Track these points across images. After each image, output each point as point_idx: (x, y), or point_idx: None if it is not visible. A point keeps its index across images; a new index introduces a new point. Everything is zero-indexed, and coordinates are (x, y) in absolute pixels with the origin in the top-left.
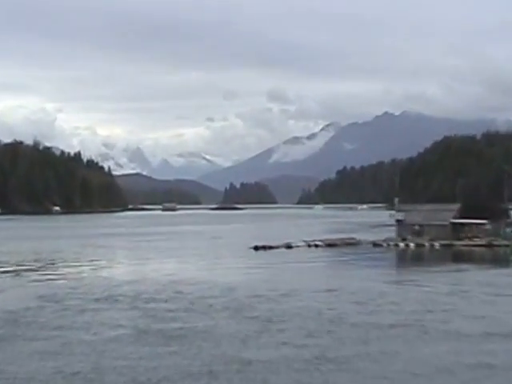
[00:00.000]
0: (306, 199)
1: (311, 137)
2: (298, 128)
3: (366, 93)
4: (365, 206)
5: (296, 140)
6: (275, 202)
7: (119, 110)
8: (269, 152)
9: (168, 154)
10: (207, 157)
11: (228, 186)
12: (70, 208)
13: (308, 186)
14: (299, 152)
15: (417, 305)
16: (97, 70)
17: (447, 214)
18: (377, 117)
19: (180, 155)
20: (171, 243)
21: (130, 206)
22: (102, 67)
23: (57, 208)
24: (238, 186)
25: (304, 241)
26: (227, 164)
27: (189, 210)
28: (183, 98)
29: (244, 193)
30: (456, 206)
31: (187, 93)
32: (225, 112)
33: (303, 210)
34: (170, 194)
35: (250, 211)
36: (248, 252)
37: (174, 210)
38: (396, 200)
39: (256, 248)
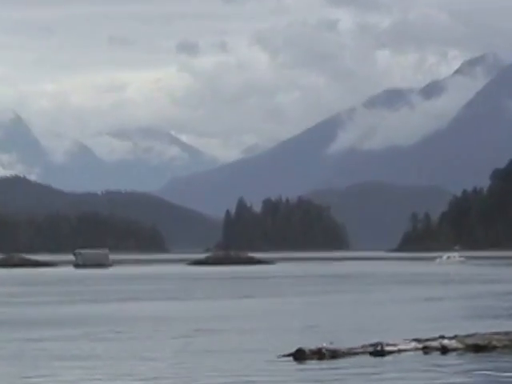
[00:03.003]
0: (418, 239)
1: (434, 86)
2: (408, 66)
3: None
4: None
5: (398, 95)
6: (346, 246)
7: None
8: (328, 127)
9: (93, 132)
10: (183, 138)
11: (233, 208)
12: None
13: (423, 206)
14: (401, 123)
15: None
16: None
17: None
18: None
19: (119, 134)
20: (97, 350)
21: None
22: None
23: None
24: (255, 205)
25: (413, 340)
26: (230, 155)
27: (143, 266)
28: None
29: (273, 225)
30: None
31: None
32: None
33: (415, 265)
34: (93, 225)
35: (287, 267)
36: (277, 366)
37: (102, 265)
38: None
39: (299, 355)
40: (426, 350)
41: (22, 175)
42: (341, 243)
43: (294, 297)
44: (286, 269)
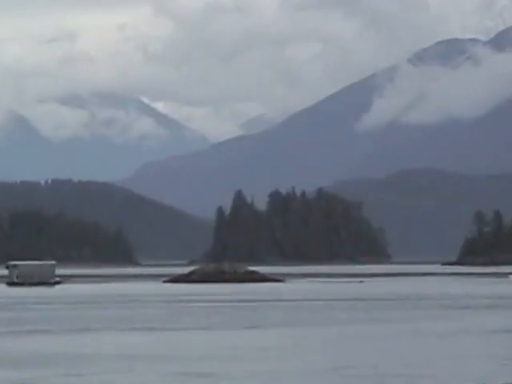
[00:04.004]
0: (486, 248)
1: (506, 36)
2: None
3: None
4: None
5: (457, 47)
6: (385, 257)
7: None
8: (359, 93)
9: (32, 98)
10: (158, 107)
11: (229, 205)
12: None
13: (493, 202)
14: (461, 86)
15: None
16: None
17: None
18: None
19: (69, 102)
20: None
21: None
22: None
23: None
24: (258, 200)
25: None
26: (224, 131)
27: (103, 284)
28: None
29: (283, 228)
30: None
31: None
32: None
33: (482, 283)
34: (33, 227)
35: (303, 286)
36: None
37: (46, 282)
38: None
39: None
40: None
41: None
42: (378, 253)
43: (316, 327)
44: (302, 288)
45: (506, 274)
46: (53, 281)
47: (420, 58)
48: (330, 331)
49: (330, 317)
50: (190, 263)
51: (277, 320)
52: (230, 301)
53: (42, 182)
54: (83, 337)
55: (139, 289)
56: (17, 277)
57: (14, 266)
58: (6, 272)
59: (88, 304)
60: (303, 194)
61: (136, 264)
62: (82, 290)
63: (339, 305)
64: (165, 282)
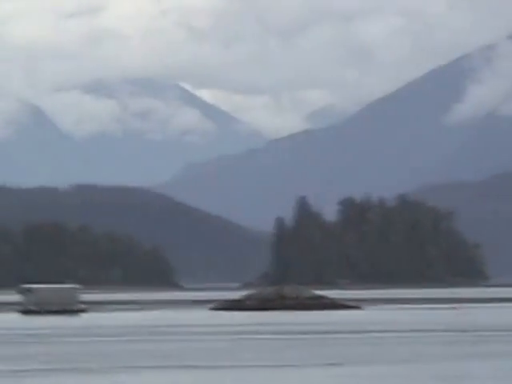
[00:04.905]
0: None
1: None
2: None
3: None
4: None
5: None
6: (483, 278)
7: None
8: (450, 78)
9: (51, 86)
10: (204, 96)
11: (290, 215)
12: None
13: None
14: None
15: None
16: None
17: None
18: None
19: (94, 90)
20: None
21: None
22: None
23: None
24: (326, 209)
25: None
26: (284, 125)
27: (138, 312)
28: None
29: (358, 243)
30: None
31: None
32: None
33: None
34: (51, 243)
35: (385, 315)
36: None
37: (68, 309)
38: None
39: None
40: None
41: None
42: (473, 273)
43: (406, 364)
44: (382, 317)
45: None
46: (76, 308)
47: None
48: (423, 368)
49: (420, 352)
50: (244, 286)
51: (356, 355)
52: (295, 332)
53: (63, 188)
54: (130, 376)
55: (182, 318)
56: (33, 303)
57: (29, 290)
58: (19, 298)
59: (122, 336)
60: (382, 201)
61: (177, 287)
62: (112, 319)
63: (429, 337)
64: (212, 309)
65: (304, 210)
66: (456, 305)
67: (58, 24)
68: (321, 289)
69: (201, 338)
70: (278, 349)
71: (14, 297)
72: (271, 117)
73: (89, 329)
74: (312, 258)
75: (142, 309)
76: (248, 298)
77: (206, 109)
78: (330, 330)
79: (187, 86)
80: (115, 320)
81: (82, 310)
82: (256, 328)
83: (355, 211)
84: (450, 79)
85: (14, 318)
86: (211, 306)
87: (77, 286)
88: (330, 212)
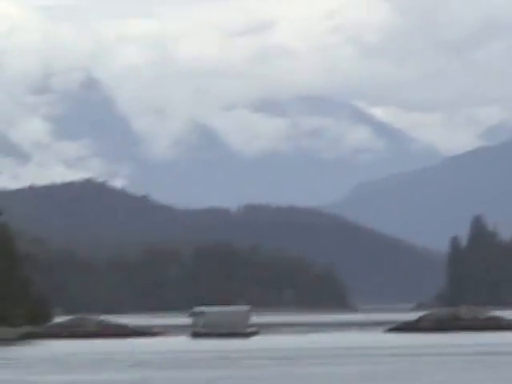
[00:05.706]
0: None
1: None
2: None
3: None
4: None
5: None
6: None
7: None
8: None
9: (218, 104)
10: (377, 114)
11: (465, 234)
12: None
13: None
14: None
15: None
16: None
17: None
18: None
19: (264, 108)
20: None
21: None
22: None
23: None
24: (503, 228)
25: None
26: (459, 143)
27: (311, 334)
28: None
29: None
30: None
31: None
32: None
33: None
34: (221, 264)
35: None
36: None
37: (239, 332)
38: None
39: None
40: None
41: (100, 179)
42: None
43: None
44: None
45: None
46: (247, 330)
47: None
48: None
49: None
50: (418, 307)
51: None
52: (472, 353)
53: (233, 209)
54: None
55: (357, 340)
56: (203, 326)
57: (200, 313)
58: (189, 321)
59: (299, 359)
60: None
61: (351, 309)
62: (285, 342)
63: None
64: (386, 331)
65: (479, 229)
66: None
67: (225, 42)
68: (497, 309)
69: (383, 360)
70: (457, 370)
71: (185, 319)
72: (446, 134)
73: (263, 351)
74: (487, 277)
75: (313, 331)
76: (422, 319)
77: (379, 127)
78: (507, 351)
79: (359, 104)
80: (287, 343)
81: (253, 333)
82: (433, 350)
83: None
84: None
85: (183, 341)
86: (385, 327)
87: (247, 307)
88: (506, 231)
